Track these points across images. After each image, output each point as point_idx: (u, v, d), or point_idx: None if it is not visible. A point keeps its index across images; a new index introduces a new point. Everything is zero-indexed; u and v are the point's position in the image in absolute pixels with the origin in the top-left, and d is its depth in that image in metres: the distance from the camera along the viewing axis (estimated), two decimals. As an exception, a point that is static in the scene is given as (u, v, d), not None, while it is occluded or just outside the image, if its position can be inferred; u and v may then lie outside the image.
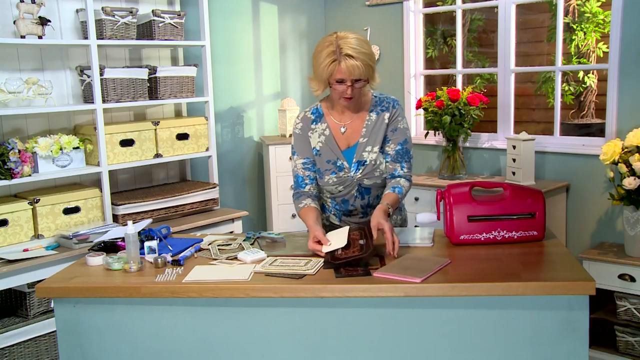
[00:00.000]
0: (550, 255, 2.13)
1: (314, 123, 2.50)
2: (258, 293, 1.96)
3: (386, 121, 2.44)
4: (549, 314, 1.87)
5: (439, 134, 4.01)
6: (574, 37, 4.50)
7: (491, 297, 1.88)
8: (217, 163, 4.04)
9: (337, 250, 2.11)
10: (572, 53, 4.53)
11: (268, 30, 4.60)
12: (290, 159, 4.21)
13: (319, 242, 2.19)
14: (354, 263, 2.04)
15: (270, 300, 1.96)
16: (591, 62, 4.50)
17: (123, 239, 2.35)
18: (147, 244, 2.28)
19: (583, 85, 4.63)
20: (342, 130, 2.47)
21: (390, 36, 4.56)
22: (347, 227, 2.24)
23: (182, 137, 3.76)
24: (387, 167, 2.44)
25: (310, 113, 2.53)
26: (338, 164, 2.45)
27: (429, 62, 4.88)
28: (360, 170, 2.44)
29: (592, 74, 4.57)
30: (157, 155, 3.67)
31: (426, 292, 1.87)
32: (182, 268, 2.15)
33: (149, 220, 2.66)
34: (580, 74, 4.57)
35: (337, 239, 2.19)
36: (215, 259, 2.24)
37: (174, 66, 3.87)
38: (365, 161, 2.43)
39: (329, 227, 2.54)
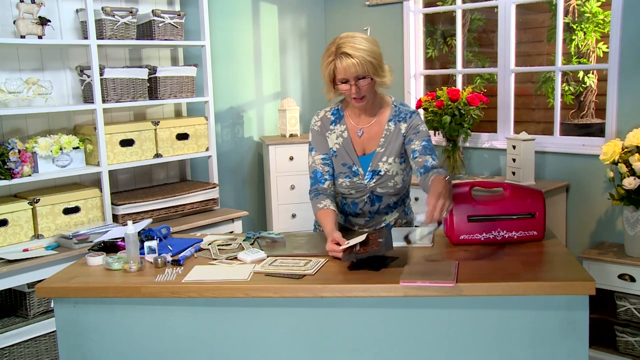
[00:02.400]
0: (550, 255, 2.13)
1: (333, 124, 2.49)
2: (258, 293, 1.96)
3: (403, 132, 2.42)
4: (549, 314, 1.87)
5: (439, 134, 4.01)
6: (574, 37, 4.50)
7: (491, 297, 1.88)
8: (217, 163, 4.04)
9: (355, 246, 2.07)
10: (572, 53, 4.53)
11: (268, 30, 4.60)
12: (291, 159, 4.27)
13: (337, 244, 2.14)
14: (373, 259, 2.02)
15: (270, 300, 1.96)
16: (591, 62, 4.50)
17: (123, 239, 2.35)
18: (147, 244, 2.28)
19: (583, 85, 4.63)
20: (359, 133, 2.46)
21: (390, 36, 4.56)
22: (366, 234, 2.20)
23: (182, 137, 3.77)
24: (417, 162, 2.36)
25: (331, 114, 2.51)
26: (353, 169, 2.45)
27: (429, 62, 4.88)
28: (375, 180, 2.43)
29: (592, 74, 4.57)
30: (157, 155, 3.67)
31: (426, 292, 1.87)
32: (182, 268, 2.15)
33: (149, 220, 2.66)
34: (580, 74, 4.57)
35: (355, 239, 2.17)
36: (215, 259, 2.24)
37: (174, 66, 3.88)
38: (380, 171, 2.42)
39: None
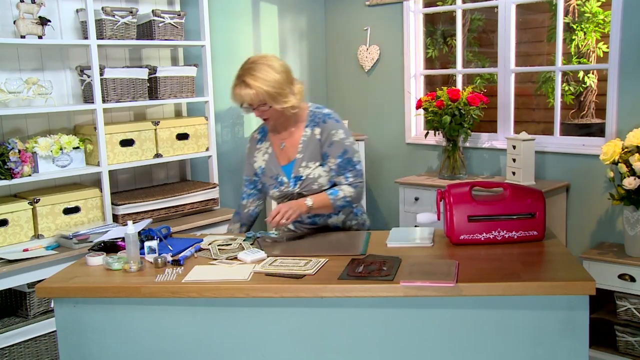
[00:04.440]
0: (550, 255, 2.13)
1: (259, 142, 2.63)
2: (258, 293, 1.96)
3: (317, 137, 2.50)
4: (549, 314, 1.87)
5: (439, 134, 4.01)
6: (574, 37, 4.50)
7: (491, 297, 1.88)
8: (217, 163, 4.04)
9: (358, 268, 2.04)
10: (572, 53, 4.53)
11: (268, 30, 4.60)
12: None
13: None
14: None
15: (270, 300, 1.97)
16: (591, 62, 4.50)
17: (123, 239, 2.35)
18: (147, 244, 2.28)
19: (583, 85, 4.63)
20: (282, 146, 2.56)
21: (390, 36, 4.56)
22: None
23: (182, 137, 3.76)
24: (328, 181, 2.51)
25: (257, 133, 2.66)
26: (279, 180, 2.55)
27: (429, 62, 4.88)
28: (299, 185, 2.51)
29: (592, 74, 4.57)
30: (157, 155, 3.67)
31: (426, 292, 1.87)
32: (182, 268, 2.16)
33: (149, 220, 2.66)
34: (580, 74, 4.57)
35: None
36: (215, 259, 2.24)
37: (174, 66, 3.87)
38: (302, 176, 2.50)
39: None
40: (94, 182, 3.55)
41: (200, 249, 2.38)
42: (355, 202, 2.54)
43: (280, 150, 2.57)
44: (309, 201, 2.41)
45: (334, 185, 2.52)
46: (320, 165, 2.50)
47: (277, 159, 2.57)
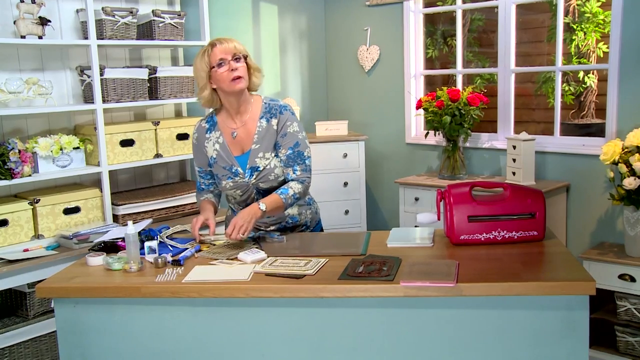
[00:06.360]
0: (550, 255, 2.13)
1: (209, 132, 2.58)
2: (258, 293, 1.96)
3: (274, 127, 2.50)
4: (549, 314, 1.87)
5: (439, 134, 4.01)
6: (574, 37, 4.50)
7: (491, 297, 1.88)
8: (217, 163, 4.04)
9: (358, 268, 2.05)
10: (572, 53, 4.53)
11: (268, 30, 4.60)
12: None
13: (205, 227, 2.45)
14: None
15: (270, 300, 1.97)
16: (591, 62, 4.50)
17: (123, 239, 2.35)
18: (147, 244, 2.29)
19: (583, 85, 4.63)
20: (233, 135, 2.54)
21: (390, 36, 4.56)
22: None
23: (182, 137, 3.76)
24: (283, 172, 2.51)
25: (205, 122, 2.61)
26: (233, 170, 2.52)
27: (429, 62, 4.88)
28: (254, 176, 2.51)
29: (592, 74, 4.57)
30: (157, 155, 3.67)
31: (426, 293, 1.87)
32: (182, 268, 2.16)
33: (149, 220, 2.66)
34: (580, 74, 4.57)
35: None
36: (215, 259, 2.24)
37: (174, 66, 3.88)
38: (259, 167, 2.50)
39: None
40: (94, 182, 3.55)
41: (201, 249, 2.38)
42: (302, 197, 2.55)
43: (233, 140, 2.54)
44: (262, 205, 2.37)
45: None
46: (276, 155, 2.51)
47: (229, 149, 2.55)
